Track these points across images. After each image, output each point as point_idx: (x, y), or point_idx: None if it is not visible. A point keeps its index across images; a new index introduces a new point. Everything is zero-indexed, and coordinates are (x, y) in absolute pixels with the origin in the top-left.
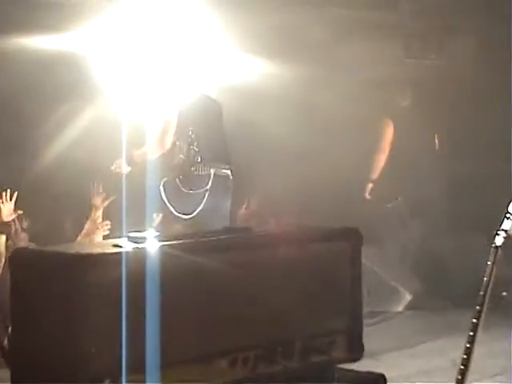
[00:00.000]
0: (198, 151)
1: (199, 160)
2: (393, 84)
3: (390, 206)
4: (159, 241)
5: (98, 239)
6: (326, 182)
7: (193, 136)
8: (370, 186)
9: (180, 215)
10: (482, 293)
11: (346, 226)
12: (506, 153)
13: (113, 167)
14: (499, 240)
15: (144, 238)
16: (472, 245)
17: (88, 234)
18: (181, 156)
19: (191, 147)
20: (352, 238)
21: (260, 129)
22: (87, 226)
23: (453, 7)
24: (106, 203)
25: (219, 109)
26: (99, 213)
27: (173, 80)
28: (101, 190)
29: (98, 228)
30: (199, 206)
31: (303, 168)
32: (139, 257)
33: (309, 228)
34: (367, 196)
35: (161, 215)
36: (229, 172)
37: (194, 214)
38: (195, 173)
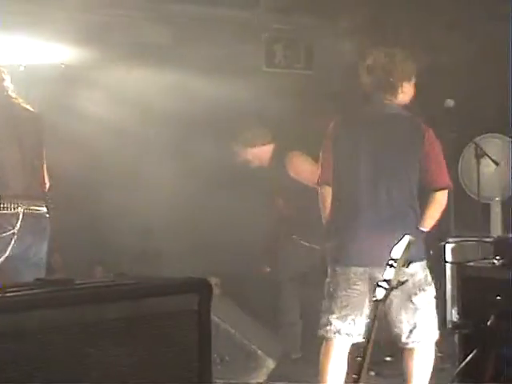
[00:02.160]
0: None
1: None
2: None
3: None
4: None
5: None
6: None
7: None
8: None
9: None
10: (359, 358)
11: (190, 276)
12: None
13: None
14: (380, 293)
15: None
16: None
17: None
18: None
19: None
20: (198, 289)
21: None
22: None
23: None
24: None
25: (37, 123)
26: None
27: None
28: None
29: None
30: (3, 253)
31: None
32: None
33: (146, 279)
34: None
35: None
36: (44, 209)
37: None
38: None
